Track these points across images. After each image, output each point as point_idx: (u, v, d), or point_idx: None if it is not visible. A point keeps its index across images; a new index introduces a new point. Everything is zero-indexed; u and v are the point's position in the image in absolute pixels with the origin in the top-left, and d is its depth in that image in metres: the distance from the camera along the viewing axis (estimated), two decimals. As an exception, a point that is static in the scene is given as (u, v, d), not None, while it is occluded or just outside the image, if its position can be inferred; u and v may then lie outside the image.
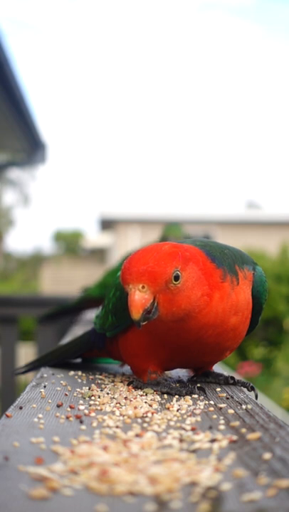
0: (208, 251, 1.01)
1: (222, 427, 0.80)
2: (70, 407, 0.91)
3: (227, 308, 0.99)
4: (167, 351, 1.04)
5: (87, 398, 0.97)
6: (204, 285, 0.96)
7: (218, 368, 1.22)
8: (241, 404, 0.93)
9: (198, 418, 0.85)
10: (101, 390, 1.03)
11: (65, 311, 2.65)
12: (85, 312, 2.70)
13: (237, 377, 1.12)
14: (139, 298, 0.90)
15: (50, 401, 0.94)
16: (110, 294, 1.16)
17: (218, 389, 1.05)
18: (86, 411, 0.88)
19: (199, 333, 0.98)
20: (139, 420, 0.85)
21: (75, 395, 1.00)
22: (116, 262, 2.35)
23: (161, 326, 0.97)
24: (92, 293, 2.36)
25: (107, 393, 1.01)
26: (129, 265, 0.93)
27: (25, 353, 5.10)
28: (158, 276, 0.91)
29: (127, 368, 1.24)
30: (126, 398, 0.97)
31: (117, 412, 0.88)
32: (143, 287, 0.90)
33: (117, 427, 0.81)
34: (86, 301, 2.40)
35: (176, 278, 0.92)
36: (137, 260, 0.92)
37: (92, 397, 0.97)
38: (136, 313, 0.90)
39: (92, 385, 1.07)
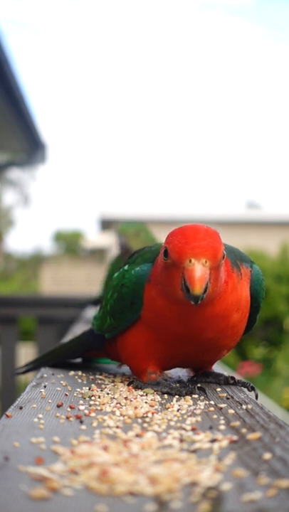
0: None
1: (222, 427, 0.80)
2: (70, 407, 0.90)
3: (234, 301, 0.99)
4: (166, 349, 1.04)
5: (87, 398, 0.97)
6: (225, 270, 0.96)
7: (218, 368, 1.22)
8: (241, 405, 0.93)
9: (199, 418, 0.85)
10: (101, 390, 1.03)
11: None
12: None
13: (237, 377, 1.11)
14: (203, 272, 0.87)
15: (50, 401, 0.94)
16: (108, 296, 1.15)
17: (219, 389, 1.05)
18: (86, 411, 0.88)
19: (205, 323, 0.97)
20: (140, 420, 0.85)
21: (75, 395, 1.00)
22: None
23: (172, 316, 0.96)
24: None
25: (108, 393, 1.01)
26: (186, 240, 0.89)
27: (25, 353, 5.10)
28: (218, 252, 0.89)
29: (126, 368, 1.24)
30: (126, 398, 0.97)
31: (118, 412, 0.88)
32: (206, 262, 0.88)
33: (117, 427, 0.81)
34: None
35: (224, 256, 0.91)
36: (193, 235, 0.89)
37: (93, 397, 0.97)
38: (199, 288, 0.86)
39: (93, 385, 1.07)
